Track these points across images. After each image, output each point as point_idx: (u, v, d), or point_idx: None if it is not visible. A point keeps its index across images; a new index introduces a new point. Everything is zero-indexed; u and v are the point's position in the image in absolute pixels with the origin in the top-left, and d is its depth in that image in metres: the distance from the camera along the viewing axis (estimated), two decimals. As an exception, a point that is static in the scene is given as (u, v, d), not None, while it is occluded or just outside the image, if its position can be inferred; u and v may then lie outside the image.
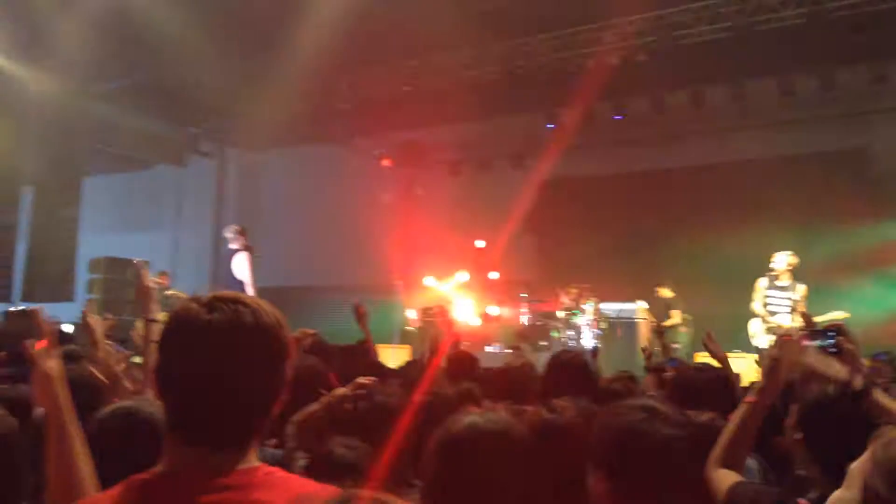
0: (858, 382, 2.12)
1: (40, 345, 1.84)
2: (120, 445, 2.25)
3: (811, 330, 2.57)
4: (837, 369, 2.22)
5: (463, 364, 4.82)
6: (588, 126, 13.83)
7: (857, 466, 1.38)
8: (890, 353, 6.39)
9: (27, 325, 1.87)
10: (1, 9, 11.70)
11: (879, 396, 2.08)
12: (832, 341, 2.56)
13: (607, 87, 12.69)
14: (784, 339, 2.42)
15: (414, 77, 13.79)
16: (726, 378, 3.55)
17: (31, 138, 13.98)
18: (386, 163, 16.01)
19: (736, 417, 2.34)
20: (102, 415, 2.39)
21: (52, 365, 1.84)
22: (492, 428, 1.75)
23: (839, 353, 2.56)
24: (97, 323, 3.72)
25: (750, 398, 2.32)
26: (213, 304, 1.46)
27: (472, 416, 1.79)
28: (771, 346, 2.40)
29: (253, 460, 1.48)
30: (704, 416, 2.52)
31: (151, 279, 3.21)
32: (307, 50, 11.82)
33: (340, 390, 2.78)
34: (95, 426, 2.34)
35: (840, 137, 12.71)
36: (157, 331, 2.85)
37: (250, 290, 8.60)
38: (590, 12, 11.80)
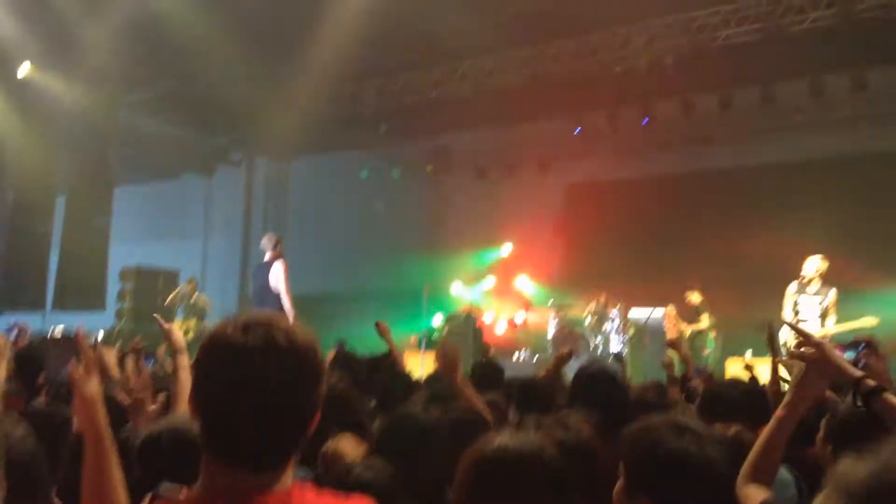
0: (871, 382, 2.08)
1: (83, 368, 1.88)
2: (167, 463, 2.28)
3: (841, 344, 2.51)
4: (853, 369, 2.17)
5: (489, 375, 4.80)
6: (615, 130, 13.77)
7: (818, 499, 1.36)
8: None
9: (67, 348, 1.91)
10: (34, 20, 11.90)
11: (892, 398, 2.04)
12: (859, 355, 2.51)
13: (634, 90, 12.66)
14: (811, 355, 2.36)
15: (440, 83, 13.81)
16: (757, 392, 3.47)
17: (64, 148, 14.21)
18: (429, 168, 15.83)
19: (765, 432, 2.30)
20: (152, 431, 2.42)
21: (94, 389, 1.87)
22: (522, 449, 1.74)
23: (864, 368, 2.52)
24: (106, 355, 3.80)
25: (779, 412, 2.28)
26: (247, 326, 1.48)
27: (502, 437, 1.78)
28: (796, 351, 2.34)
29: (288, 481, 1.50)
30: (731, 430, 2.50)
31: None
32: (334, 58, 11.89)
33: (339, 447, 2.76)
34: (142, 442, 2.37)
35: (872, 139, 12.50)
36: (183, 364, 2.90)
37: (286, 300, 8.66)
38: (616, 16, 11.74)
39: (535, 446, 1.76)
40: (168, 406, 3.04)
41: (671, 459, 1.82)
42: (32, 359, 4.02)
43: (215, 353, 1.48)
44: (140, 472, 1.95)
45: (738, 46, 11.51)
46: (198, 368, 1.51)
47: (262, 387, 1.43)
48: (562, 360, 5.25)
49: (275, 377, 1.44)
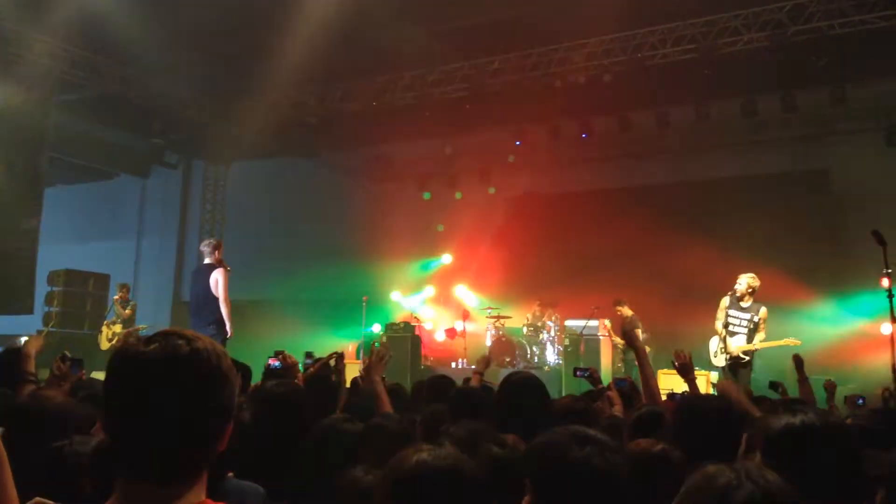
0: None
1: None
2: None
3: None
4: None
5: (440, 388, 4.79)
6: (555, 144, 13.97)
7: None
8: None
9: None
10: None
11: None
12: None
13: (574, 105, 12.85)
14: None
15: (382, 93, 13.80)
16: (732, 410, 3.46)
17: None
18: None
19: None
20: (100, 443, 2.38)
21: None
22: (440, 465, 1.74)
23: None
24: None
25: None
26: (151, 338, 1.48)
27: (420, 453, 1.77)
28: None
29: (200, 494, 1.47)
30: (657, 447, 2.54)
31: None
32: (276, 63, 11.79)
33: None
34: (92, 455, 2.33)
35: (801, 158, 12.93)
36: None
37: (224, 308, 8.50)
38: (557, 33, 11.92)
39: (454, 461, 1.76)
40: None
41: (557, 464, 1.83)
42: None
43: (117, 367, 1.47)
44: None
45: (675, 65, 11.78)
46: (105, 382, 1.49)
47: (161, 396, 1.42)
48: (481, 365, 5.48)
49: (173, 386, 1.43)
